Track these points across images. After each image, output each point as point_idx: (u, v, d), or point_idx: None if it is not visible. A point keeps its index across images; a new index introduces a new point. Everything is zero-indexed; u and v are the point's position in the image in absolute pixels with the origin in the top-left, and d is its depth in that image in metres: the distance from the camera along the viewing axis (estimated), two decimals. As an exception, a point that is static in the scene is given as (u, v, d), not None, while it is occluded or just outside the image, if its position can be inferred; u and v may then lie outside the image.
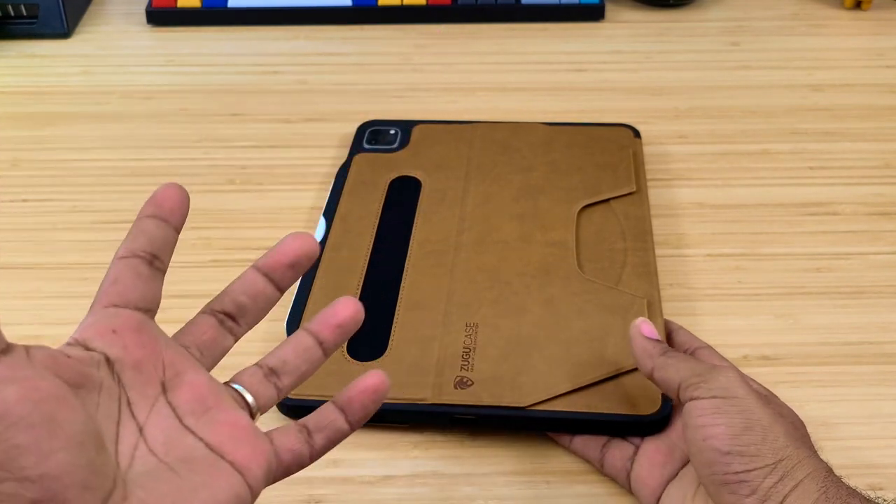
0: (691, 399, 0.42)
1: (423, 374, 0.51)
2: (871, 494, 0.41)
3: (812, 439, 0.46)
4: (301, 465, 0.37)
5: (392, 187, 0.64)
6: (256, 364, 0.38)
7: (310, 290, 0.56)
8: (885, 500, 0.41)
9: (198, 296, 0.59)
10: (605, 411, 0.48)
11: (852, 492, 0.40)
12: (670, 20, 0.90)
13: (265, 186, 0.69)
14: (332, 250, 0.59)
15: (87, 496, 0.28)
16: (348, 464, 0.50)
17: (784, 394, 0.52)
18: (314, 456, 0.37)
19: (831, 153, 0.72)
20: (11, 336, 0.58)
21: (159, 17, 0.89)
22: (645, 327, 0.47)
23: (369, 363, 0.51)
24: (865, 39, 0.87)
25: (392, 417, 0.50)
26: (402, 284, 0.56)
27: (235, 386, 0.37)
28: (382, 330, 0.53)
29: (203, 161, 0.71)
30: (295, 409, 0.50)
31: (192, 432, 0.33)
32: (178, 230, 0.38)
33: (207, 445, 0.33)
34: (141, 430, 0.33)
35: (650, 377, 0.46)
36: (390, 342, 0.53)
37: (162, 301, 0.58)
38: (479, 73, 0.82)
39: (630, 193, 0.63)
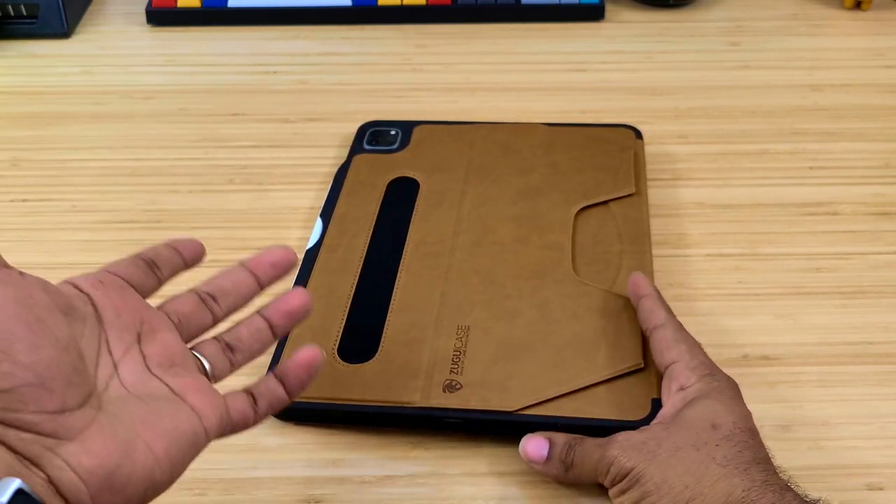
0: (608, 489, 0.44)
1: (412, 377, 0.50)
2: (818, 496, 0.41)
3: (812, 439, 0.47)
4: (246, 426, 0.40)
5: (390, 188, 0.64)
6: (214, 337, 0.42)
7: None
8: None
9: (198, 296, 0.59)
10: (594, 416, 0.48)
11: (777, 500, 0.40)
12: (670, 20, 0.90)
13: (265, 186, 0.69)
14: (328, 251, 0.59)
15: (70, 392, 0.33)
16: (348, 464, 0.50)
17: (784, 394, 0.52)
18: (257, 419, 0.41)
19: (831, 153, 0.72)
20: (11, 336, 0.58)
21: (159, 17, 0.89)
22: (530, 450, 0.47)
23: (359, 365, 0.51)
24: (865, 39, 0.87)
25: (380, 420, 0.50)
26: (395, 286, 0.56)
27: (196, 354, 0.41)
28: (373, 332, 0.53)
29: (203, 161, 0.71)
30: (284, 410, 0.50)
31: (159, 378, 0.38)
32: (186, 265, 0.44)
33: (171, 390, 0.38)
34: (115, 365, 0.37)
35: (570, 481, 0.47)
36: (381, 344, 0.53)
37: (162, 301, 0.59)
38: (479, 73, 0.82)
39: (629, 195, 0.63)
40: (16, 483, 0.30)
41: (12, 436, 0.32)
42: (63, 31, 0.86)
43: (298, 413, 0.50)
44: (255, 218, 0.66)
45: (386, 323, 0.54)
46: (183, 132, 0.74)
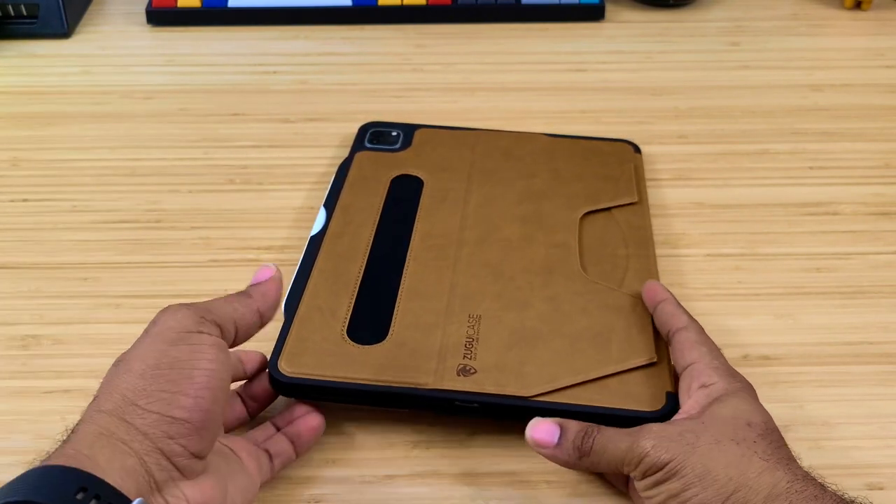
0: (635, 480, 0.44)
1: (424, 359, 0.50)
2: (854, 496, 0.41)
3: (812, 439, 0.46)
4: (264, 482, 0.47)
5: (394, 184, 0.64)
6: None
7: (309, 275, 0.56)
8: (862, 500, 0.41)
9: (197, 295, 0.59)
10: (610, 405, 0.48)
11: (819, 494, 0.40)
12: (670, 20, 0.90)
13: (265, 186, 0.69)
14: (333, 238, 0.59)
15: (208, 444, 0.40)
16: (348, 464, 0.50)
17: (784, 394, 0.53)
18: (273, 476, 0.48)
19: (831, 153, 0.72)
20: (11, 336, 0.58)
21: (159, 17, 0.89)
22: (538, 434, 0.46)
23: (369, 347, 0.51)
24: (865, 39, 0.87)
25: (392, 401, 0.50)
26: (403, 274, 0.56)
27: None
28: (383, 316, 0.53)
29: (203, 161, 0.71)
30: (292, 387, 0.50)
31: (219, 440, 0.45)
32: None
33: (231, 450, 0.45)
34: None
35: (581, 468, 0.46)
36: (391, 328, 0.52)
37: (162, 301, 0.58)
38: (479, 73, 0.82)
39: (631, 203, 0.63)
40: None
41: (154, 460, 0.38)
42: (63, 31, 0.86)
43: (309, 391, 0.50)
44: (255, 218, 0.66)
45: (395, 308, 0.54)
46: (183, 132, 0.74)
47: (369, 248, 0.58)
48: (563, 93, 0.79)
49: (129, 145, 0.73)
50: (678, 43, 0.86)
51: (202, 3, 0.88)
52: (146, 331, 0.42)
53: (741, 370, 0.49)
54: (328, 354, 0.51)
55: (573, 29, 0.88)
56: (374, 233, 0.60)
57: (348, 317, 0.53)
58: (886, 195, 0.67)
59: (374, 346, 0.51)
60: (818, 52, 0.85)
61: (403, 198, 0.63)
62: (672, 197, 0.67)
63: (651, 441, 0.43)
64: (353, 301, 0.54)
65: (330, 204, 0.62)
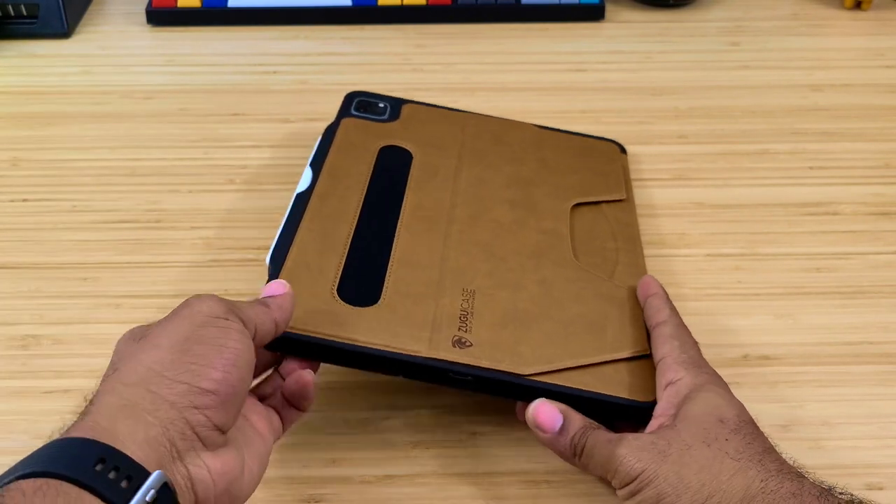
0: (616, 491, 0.44)
1: (418, 327, 0.49)
2: (833, 483, 0.41)
3: (812, 439, 0.46)
4: (276, 441, 0.47)
5: (382, 153, 0.63)
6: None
7: (295, 232, 0.54)
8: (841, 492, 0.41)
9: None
10: (606, 392, 0.48)
11: (797, 490, 0.40)
12: (670, 20, 0.90)
13: (265, 186, 0.69)
14: (321, 198, 0.57)
15: (231, 419, 0.41)
16: (348, 463, 0.50)
17: (784, 394, 0.53)
18: (284, 432, 0.48)
19: (831, 153, 0.72)
20: (11, 336, 0.58)
21: (159, 17, 0.89)
22: (542, 418, 0.46)
23: (361, 308, 0.50)
24: (865, 39, 0.87)
25: (384, 366, 0.48)
26: (394, 242, 0.55)
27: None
28: (374, 280, 0.52)
29: (203, 161, 0.71)
30: (278, 339, 0.47)
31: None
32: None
33: (242, 415, 0.45)
34: None
35: (575, 465, 0.46)
36: (383, 293, 0.51)
37: (162, 301, 0.59)
38: (479, 73, 0.82)
39: (620, 200, 0.63)
40: (164, 477, 0.36)
41: (178, 430, 0.38)
42: (63, 31, 0.86)
43: (296, 346, 0.48)
44: (254, 218, 0.66)
45: (387, 273, 0.52)
46: (183, 132, 0.74)
47: (358, 211, 0.57)
48: (562, 93, 0.79)
49: (129, 145, 0.73)
50: (678, 43, 0.86)
51: (202, 3, 0.88)
52: (175, 312, 0.42)
53: (741, 370, 0.49)
54: (317, 311, 0.49)
55: (573, 29, 0.88)
56: (362, 198, 0.58)
57: (338, 277, 0.52)
58: (886, 195, 0.67)
59: (366, 308, 0.50)
60: (818, 52, 0.85)
61: (392, 168, 0.62)
62: (672, 197, 0.67)
63: (625, 450, 0.43)
64: (343, 262, 0.53)
65: (316, 164, 0.61)
